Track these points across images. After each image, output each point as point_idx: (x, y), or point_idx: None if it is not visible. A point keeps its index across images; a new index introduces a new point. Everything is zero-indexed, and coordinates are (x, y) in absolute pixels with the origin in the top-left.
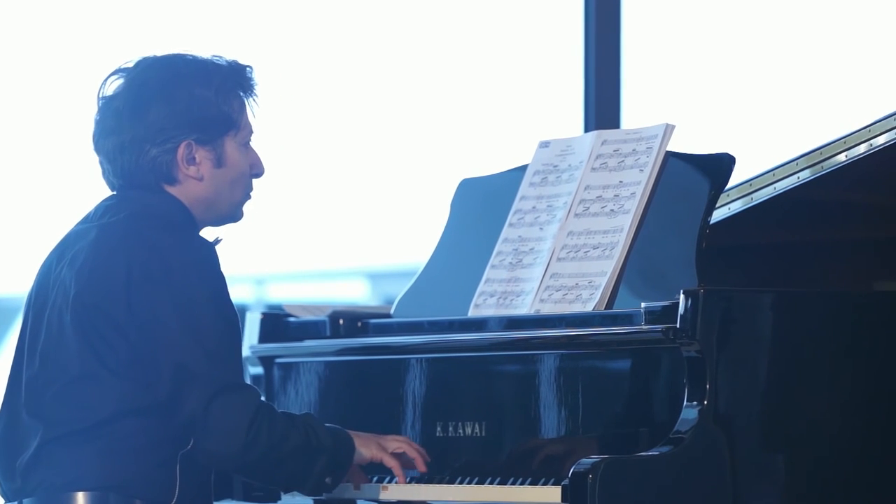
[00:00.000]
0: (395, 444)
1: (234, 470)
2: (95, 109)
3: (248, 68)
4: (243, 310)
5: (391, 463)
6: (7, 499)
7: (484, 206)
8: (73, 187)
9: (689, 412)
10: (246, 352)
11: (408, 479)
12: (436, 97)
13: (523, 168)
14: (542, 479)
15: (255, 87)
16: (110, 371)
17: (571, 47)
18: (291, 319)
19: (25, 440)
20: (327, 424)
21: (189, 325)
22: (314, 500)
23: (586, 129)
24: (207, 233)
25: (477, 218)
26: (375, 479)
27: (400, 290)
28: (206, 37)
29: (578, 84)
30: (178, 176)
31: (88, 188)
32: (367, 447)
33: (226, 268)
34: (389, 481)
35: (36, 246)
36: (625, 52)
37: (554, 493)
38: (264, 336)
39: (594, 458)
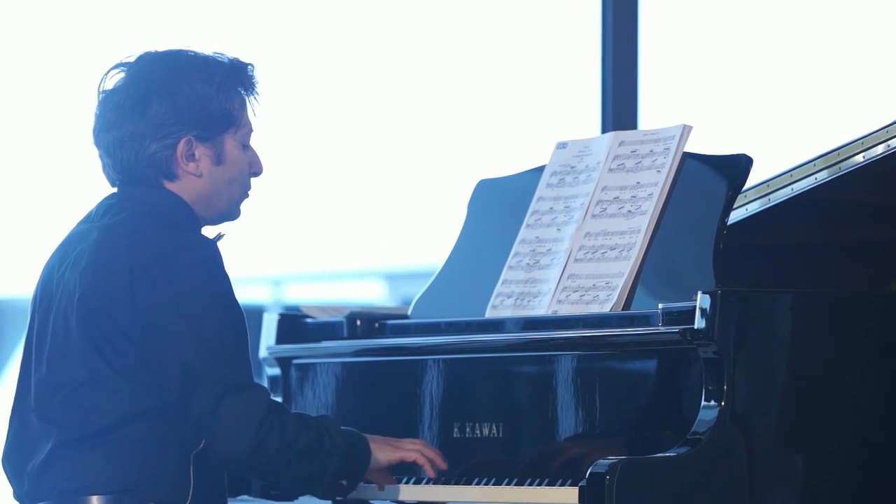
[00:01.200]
0: (412, 445)
1: (244, 470)
2: (95, 103)
3: (249, 66)
4: (260, 311)
5: (413, 457)
6: (20, 501)
7: (501, 206)
8: (76, 187)
9: (707, 413)
10: (263, 353)
11: (424, 480)
12: (453, 98)
13: (540, 169)
14: (560, 480)
15: (257, 85)
16: (118, 374)
17: (589, 48)
18: (309, 320)
19: (36, 444)
20: (343, 428)
21: (194, 326)
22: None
23: (603, 130)
24: (207, 230)
25: (494, 219)
26: (394, 479)
27: (417, 290)
28: (215, 37)
29: (596, 85)
30: (178, 172)
31: (91, 188)
32: (383, 451)
33: (243, 269)
34: (408, 482)
35: (39, 247)
36: (642, 52)
37: (571, 494)
38: (282, 337)
39: (611, 458)
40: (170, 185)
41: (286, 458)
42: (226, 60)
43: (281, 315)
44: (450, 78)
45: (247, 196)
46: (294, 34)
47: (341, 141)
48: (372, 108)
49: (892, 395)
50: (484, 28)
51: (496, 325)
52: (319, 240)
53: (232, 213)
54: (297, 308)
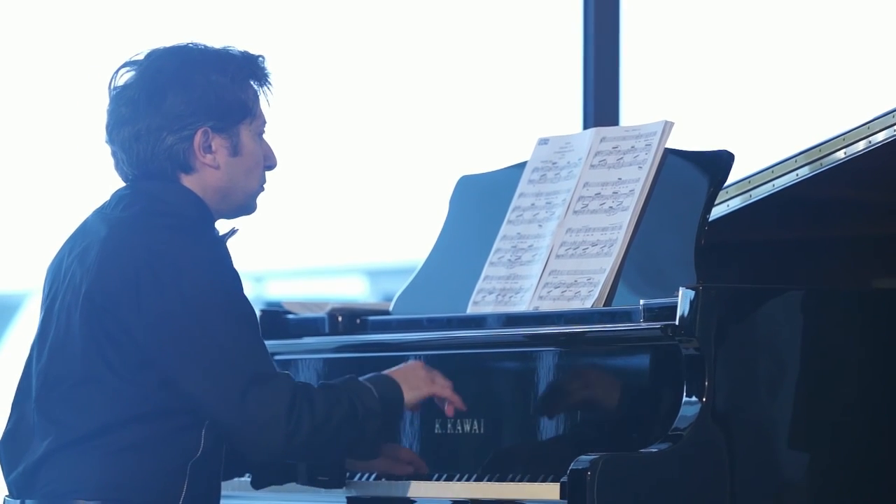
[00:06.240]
0: (443, 381)
1: (283, 458)
2: (107, 101)
3: (260, 58)
4: None
5: (446, 393)
6: (8, 488)
7: (483, 203)
8: (78, 184)
9: (688, 409)
10: None
11: (405, 476)
12: (435, 94)
13: (522, 165)
14: (541, 476)
15: (269, 76)
16: (116, 374)
17: (570, 44)
18: (290, 316)
19: (33, 439)
20: (371, 376)
21: (203, 328)
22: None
23: (585, 126)
24: (222, 224)
25: (476, 215)
26: (378, 477)
27: (399, 287)
28: (193, 35)
29: (577, 81)
30: (195, 164)
31: (95, 185)
32: (417, 389)
33: None
34: (389, 478)
35: (40, 243)
36: (623, 49)
37: (553, 489)
38: (263, 333)
39: (593, 454)
40: (186, 179)
41: (323, 436)
42: (237, 52)
43: (262, 311)
44: (431, 74)
45: (263, 189)
46: (274, 32)
47: (322, 137)
48: (353, 104)
49: (872, 392)
50: (465, 24)
51: (477, 322)
52: (301, 236)
53: (248, 207)
54: (278, 304)
